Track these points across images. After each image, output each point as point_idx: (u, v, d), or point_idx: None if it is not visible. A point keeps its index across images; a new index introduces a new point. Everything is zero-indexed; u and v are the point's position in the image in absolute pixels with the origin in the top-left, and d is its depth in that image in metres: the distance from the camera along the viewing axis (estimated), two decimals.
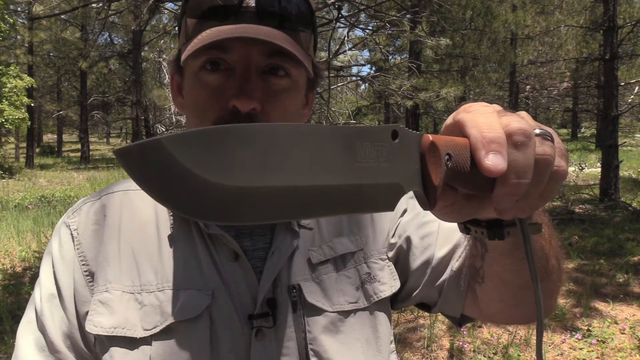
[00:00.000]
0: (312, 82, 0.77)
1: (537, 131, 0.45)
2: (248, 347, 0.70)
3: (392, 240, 0.81)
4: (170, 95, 0.78)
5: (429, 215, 0.81)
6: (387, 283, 0.79)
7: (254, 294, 0.72)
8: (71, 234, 0.76)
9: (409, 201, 0.84)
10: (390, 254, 0.81)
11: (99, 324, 0.70)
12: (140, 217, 0.76)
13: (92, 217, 0.76)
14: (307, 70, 0.70)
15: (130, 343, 0.69)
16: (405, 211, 0.83)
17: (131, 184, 0.80)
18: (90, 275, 0.73)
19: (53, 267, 0.75)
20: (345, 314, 0.75)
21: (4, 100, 15.97)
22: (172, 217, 0.75)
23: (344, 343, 0.74)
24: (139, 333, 0.69)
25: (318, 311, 0.73)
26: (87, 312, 0.72)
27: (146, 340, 0.69)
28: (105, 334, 0.70)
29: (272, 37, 0.63)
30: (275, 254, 0.74)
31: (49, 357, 0.72)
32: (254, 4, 0.66)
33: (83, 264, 0.74)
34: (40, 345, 0.73)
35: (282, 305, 0.72)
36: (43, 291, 0.75)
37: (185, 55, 0.68)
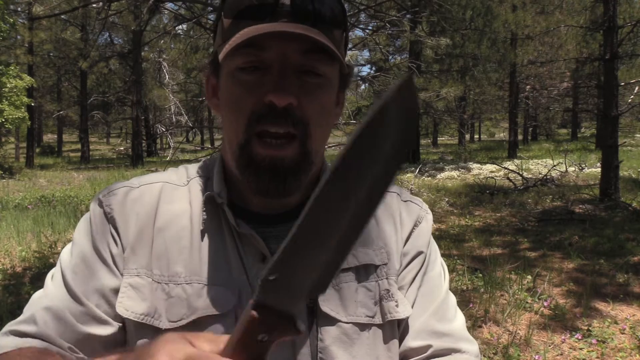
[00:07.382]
0: (343, 81, 0.77)
1: None
2: None
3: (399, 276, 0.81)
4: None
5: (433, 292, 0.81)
6: (402, 305, 0.78)
7: None
8: (104, 212, 0.75)
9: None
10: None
11: (130, 308, 0.70)
12: (176, 209, 0.76)
13: (129, 203, 0.76)
14: (342, 66, 0.71)
15: (155, 333, 0.69)
16: (415, 259, 0.82)
17: (170, 177, 0.80)
18: (122, 254, 0.73)
19: (91, 234, 0.75)
20: (361, 326, 0.74)
21: (4, 100, 15.96)
22: (204, 212, 0.75)
23: (355, 357, 0.73)
24: (164, 324, 0.70)
25: (332, 320, 0.73)
26: (114, 290, 0.72)
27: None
28: (135, 319, 0.70)
29: (310, 33, 0.65)
30: None
31: (77, 306, 0.72)
32: (289, 3, 0.67)
33: (115, 241, 0.74)
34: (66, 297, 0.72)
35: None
36: (74, 250, 0.75)
37: (222, 55, 0.68)
